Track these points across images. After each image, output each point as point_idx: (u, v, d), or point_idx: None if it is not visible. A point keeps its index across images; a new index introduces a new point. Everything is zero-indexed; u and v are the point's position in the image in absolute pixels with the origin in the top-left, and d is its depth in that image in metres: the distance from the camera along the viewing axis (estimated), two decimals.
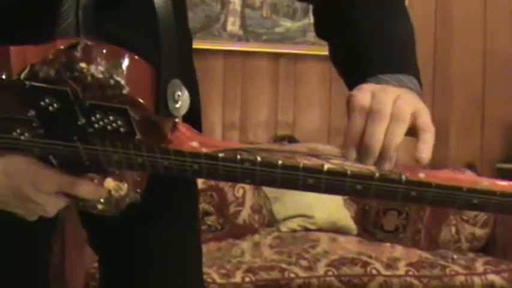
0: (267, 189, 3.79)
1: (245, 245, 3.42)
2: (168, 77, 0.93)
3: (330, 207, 3.71)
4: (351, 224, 3.74)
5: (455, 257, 3.44)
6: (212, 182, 3.66)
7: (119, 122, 0.91)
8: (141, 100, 0.90)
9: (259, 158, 0.91)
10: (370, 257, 3.32)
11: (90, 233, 1.40)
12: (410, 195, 0.92)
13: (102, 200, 1.03)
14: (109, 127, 0.92)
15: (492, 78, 4.26)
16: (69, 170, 0.98)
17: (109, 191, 1.02)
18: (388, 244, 3.56)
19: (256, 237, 3.53)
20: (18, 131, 0.94)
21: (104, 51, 0.89)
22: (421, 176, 0.93)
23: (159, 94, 0.92)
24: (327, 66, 4.13)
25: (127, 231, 1.31)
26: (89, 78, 0.87)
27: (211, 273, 3.08)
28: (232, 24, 4.10)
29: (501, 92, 4.26)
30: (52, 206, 1.01)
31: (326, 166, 0.91)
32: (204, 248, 1.44)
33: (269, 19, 4.11)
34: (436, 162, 4.11)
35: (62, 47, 0.89)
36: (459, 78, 4.23)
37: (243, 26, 4.11)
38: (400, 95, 0.99)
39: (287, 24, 4.11)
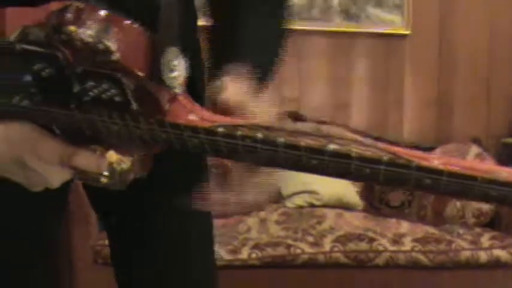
0: None
1: (251, 221, 3.43)
2: (163, 45, 0.88)
3: (336, 183, 3.71)
4: (356, 200, 3.74)
5: (461, 231, 3.45)
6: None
7: (113, 91, 0.87)
8: (132, 67, 0.86)
9: (260, 135, 0.86)
10: (376, 233, 3.33)
11: (100, 211, 1.40)
12: (424, 183, 0.83)
13: (105, 173, 0.98)
14: (104, 96, 0.88)
15: (498, 52, 4.24)
16: (71, 140, 0.95)
17: (111, 164, 0.98)
18: (394, 220, 3.56)
19: (263, 213, 3.54)
20: (17, 97, 0.92)
21: (96, 14, 0.85)
22: (435, 162, 0.83)
23: (153, 62, 0.88)
24: (331, 42, 4.12)
25: (136, 205, 1.31)
26: (78, 42, 0.84)
27: (217, 250, 3.08)
28: None
29: (507, 66, 4.24)
30: (55, 177, 0.98)
31: (330, 147, 0.84)
32: None
33: None
34: (441, 137, 4.11)
35: (54, 9, 0.85)
36: (464, 53, 4.21)
37: None
38: None
39: None
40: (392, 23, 4.11)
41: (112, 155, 0.98)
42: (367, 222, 3.50)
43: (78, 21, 0.84)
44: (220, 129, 0.88)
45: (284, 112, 4.04)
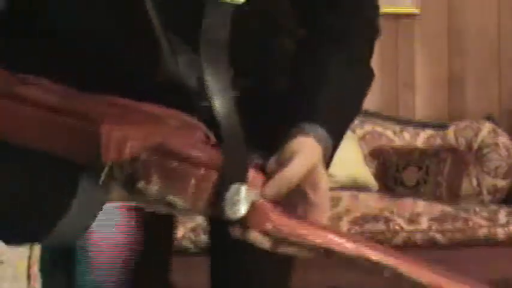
0: None
1: None
2: (227, 183, 0.92)
3: (350, 165, 3.71)
4: (371, 181, 3.74)
5: (477, 209, 3.44)
6: None
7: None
8: (197, 212, 0.95)
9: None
10: (392, 213, 3.32)
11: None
12: None
13: None
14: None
15: (507, 28, 4.21)
16: None
17: None
18: (409, 199, 3.56)
19: None
20: None
21: (163, 169, 0.92)
22: None
23: (217, 200, 0.93)
24: None
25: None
26: (147, 195, 0.92)
27: None
28: None
29: None
30: None
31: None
32: None
33: None
34: (454, 115, 4.10)
35: (129, 156, 0.92)
36: (474, 30, 4.19)
37: None
38: None
39: None
40: (401, 2, 4.09)
41: None
42: (383, 202, 3.50)
43: (148, 175, 0.91)
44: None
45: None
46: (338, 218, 3.26)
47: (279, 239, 0.95)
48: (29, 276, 2.23)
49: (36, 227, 0.98)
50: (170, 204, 0.93)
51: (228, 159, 0.93)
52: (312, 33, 1.15)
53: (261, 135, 1.04)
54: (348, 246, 0.94)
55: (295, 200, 0.99)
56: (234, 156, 0.94)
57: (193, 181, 0.92)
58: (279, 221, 0.94)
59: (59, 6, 1.05)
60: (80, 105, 0.96)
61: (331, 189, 3.41)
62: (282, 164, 0.98)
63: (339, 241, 0.94)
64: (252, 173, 0.96)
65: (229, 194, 0.92)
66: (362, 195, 3.57)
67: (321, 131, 1.04)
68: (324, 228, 0.97)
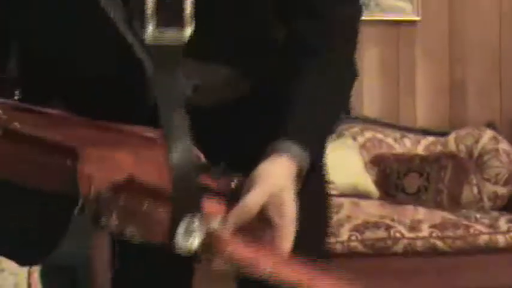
0: None
1: None
2: (179, 218, 0.93)
3: (351, 172, 3.71)
4: (372, 188, 3.74)
5: (478, 216, 3.44)
6: None
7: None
8: (153, 242, 0.97)
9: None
10: (393, 220, 3.32)
11: None
12: None
13: None
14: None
15: (508, 35, 4.21)
16: None
17: None
18: (410, 206, 3.55)
19: None
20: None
21: (120, 204, 0.96)
22: None
23: (170, 233, 0.94)
24: None
25: None
26: (110, 229, 0.97)
27: None
28: None
29: None
30: None
31: None
32: None
33: None
34: (455, 123, 4.10)
35: (94, 194, 0.96)
36: (475, 37, 4.19)
37: None
38: None
39: None
40: (402, 9, 4.09)
41: None
42: (384, 209, 3.50)
43: (108, 210, 0.96)
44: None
45: None
46: (339, 225, 3.26)
47: (237, 266, 0.95)
48: (29, 285, 2.23)
49: (34, 252, 1.04)
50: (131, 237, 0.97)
51: (177, 194, 0.93)
52: (289, 41, 1.15)
53: (262, 143, 1.05)
54: (289, 274, 0.95)
55: (263, 225, 1.00)
56: (184, 190, 0.93)
57: (157, 217, 0.95)
58: (235, 250, 0.95)
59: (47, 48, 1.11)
60: (69, 135, 1.00)
61: (332, 196, 3.40)
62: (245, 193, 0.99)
63: (282, 269, 0.95)
64: (208, 204, 0.96)
65: (180, 229, 0.93)
66: (363, 202, 3.57)
67: (295, 148, 1.04)
68: (275, 255, 0.98)
